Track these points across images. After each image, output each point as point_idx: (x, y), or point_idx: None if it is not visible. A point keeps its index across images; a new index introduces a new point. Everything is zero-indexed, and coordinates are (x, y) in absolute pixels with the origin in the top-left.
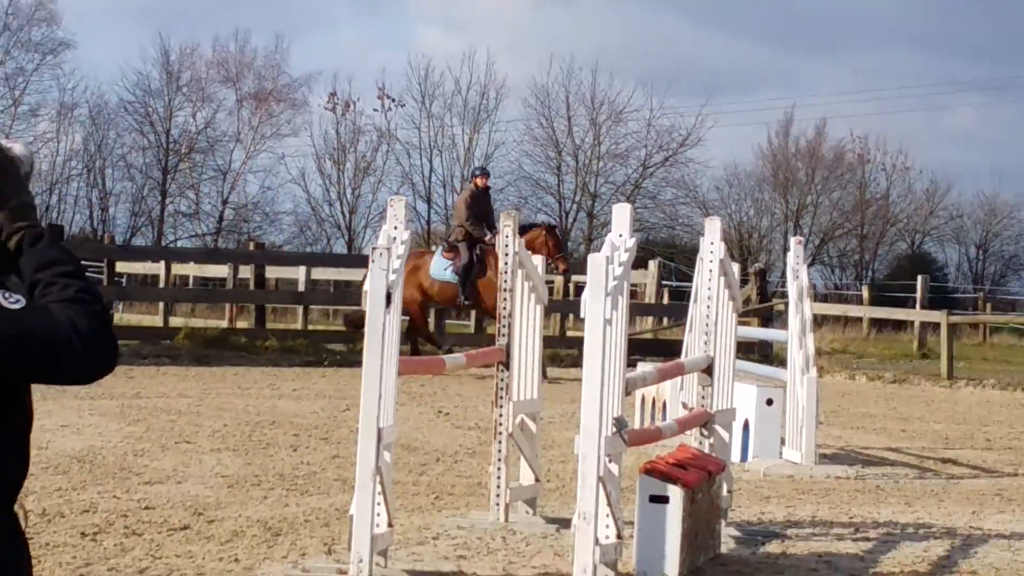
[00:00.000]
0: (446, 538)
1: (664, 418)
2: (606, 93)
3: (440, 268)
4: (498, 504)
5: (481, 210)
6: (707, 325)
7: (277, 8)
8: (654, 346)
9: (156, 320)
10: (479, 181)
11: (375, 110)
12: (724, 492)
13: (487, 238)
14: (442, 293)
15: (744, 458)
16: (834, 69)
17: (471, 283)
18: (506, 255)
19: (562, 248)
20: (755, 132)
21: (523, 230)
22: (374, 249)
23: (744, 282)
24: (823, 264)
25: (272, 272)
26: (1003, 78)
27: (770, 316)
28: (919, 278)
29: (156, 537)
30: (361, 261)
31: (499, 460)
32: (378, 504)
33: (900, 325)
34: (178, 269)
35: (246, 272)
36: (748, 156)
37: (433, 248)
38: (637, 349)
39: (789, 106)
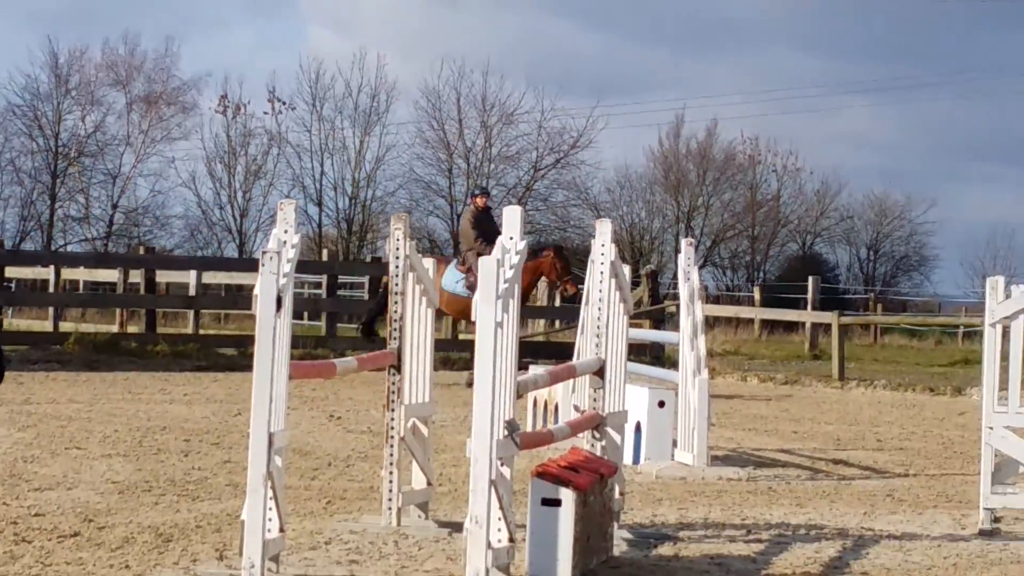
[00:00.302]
0: (338, 543)
1: (556, 421)
2: (497, 95)
3: (452, 280)
4: (390, 508)
5: (488, 229)
6: (598, 327)
7: (167, 10)
8: (546, 349)
9: (46, 325)
10: (479, 201)
11: (266, 113)
12: (616, 495)
13: None
14: (451, 305)
15: (636, 460)
16: (725, 70)
17: None
18: (397, 258)
19: (569, 270)
20: (646, 134)
21: (534, 254)
22: (264, 253)
23: (636, 284)
24: (715, 266)
25: (163, 276)
26: (892, 79)
27: (662, 318)
28: (810, 279)
29: (46, 544)
30: (252, 265)
31: (391, 464)
32: (270, 509)
33: (791, 326)
34: (68, 274)
35: (136, 276)
36: (639, 158)
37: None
38: (529, 352)
39: (680, 108)
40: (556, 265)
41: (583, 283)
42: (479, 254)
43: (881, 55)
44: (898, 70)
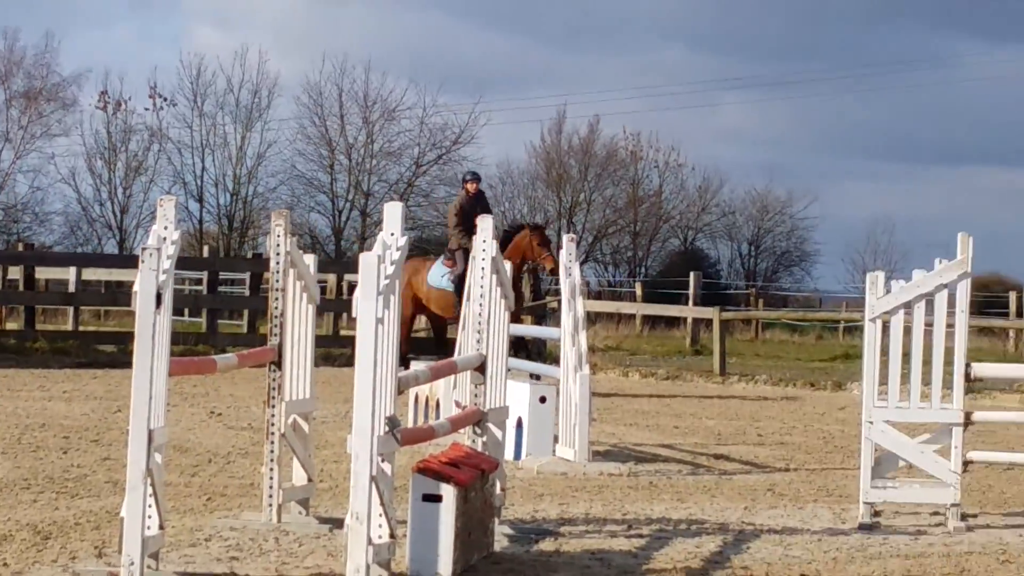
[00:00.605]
0: (218, 539)
1: (438, 417)
2: (379, 91)
3: (438, 276)
4: (271, 505)
5: (470, 218)
6: (480, 323)
7: (47, 5)
8: (428, 345)
9: None
10: (469, 187)
11: (147, 109)
12: (497, 490)
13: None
14: (439, 301)
15: (517, 456)
16: (607, 66)
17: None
18: (277, 255)
19: (548, 245)
20: (528, 129)
21: (509, 234)
22: (144, 249)
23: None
24: (596, 261)
25: (42, 273)
26: (773, 75)
27: (544, 314)
28: (692, 275)
29: None
30: (133, 261)
31: (271, 461)
32: (149, 506)
33: (673, 322)
34: None
35: (15, 273)
36: (521, 154)
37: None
38: (411, 347)
39: (562, 103)
40: (532, 241)
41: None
42: (460, 246)
43: (762, 51)
44: (778, 67)
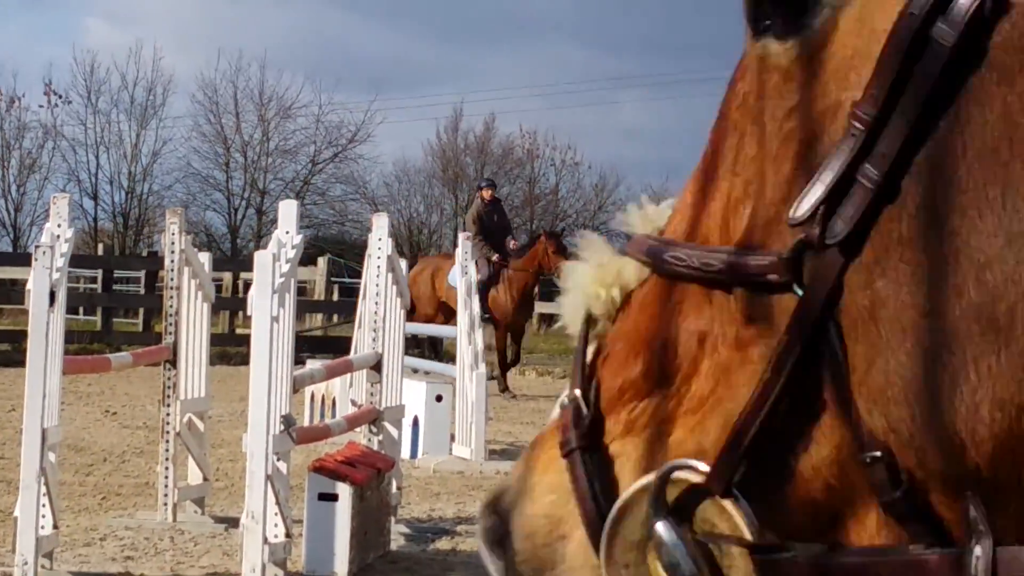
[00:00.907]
0: (113, 539)
1: (334, 415)
2: (274, 89)
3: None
4: (166, 504)
5: (489, 226)
6: (375, 322)
7: None
8: (324, 343)
9: None
10: (484, 194)
11: (41, 106)
12: (394, 489)
13: (495, 258)
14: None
15: (414, 455)
16: (503, 64)
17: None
18: (172, 252)
19: (564, 254)
20: (424, 128)
21: (527, 246)
22: (37, 247)
23: None
24: None
25: None
26: (670, 73)
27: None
28: None
29: None
30: (26, 259)
31: (167, 459)
32: (43, 506)
33: None
34: None
35: None
36: (417, 152)
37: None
38: (307, 346)
39: (458, 101)
40: (548, 249)
41: None
42: (482, 255)
43: (659, 49)
44: (675, 65)
